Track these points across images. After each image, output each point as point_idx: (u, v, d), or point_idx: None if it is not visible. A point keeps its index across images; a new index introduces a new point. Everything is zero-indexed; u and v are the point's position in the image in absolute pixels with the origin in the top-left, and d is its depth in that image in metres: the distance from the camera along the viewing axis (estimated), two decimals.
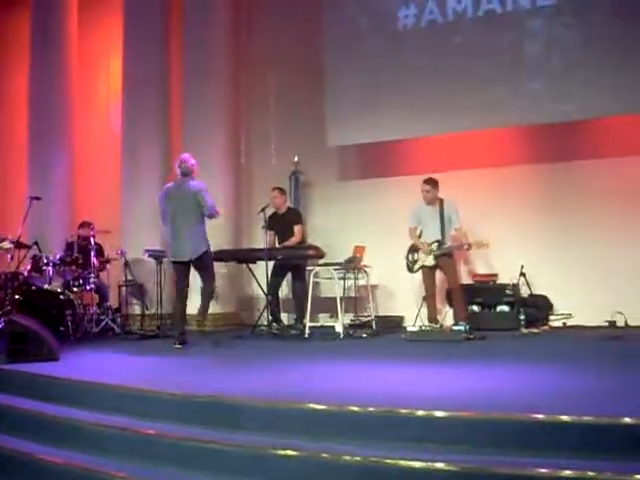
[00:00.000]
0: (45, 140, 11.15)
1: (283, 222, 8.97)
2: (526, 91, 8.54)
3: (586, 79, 8.28)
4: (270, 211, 8.90)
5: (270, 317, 8.53)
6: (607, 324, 8.08)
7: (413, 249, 8.35)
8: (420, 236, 8.37)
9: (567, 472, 3.09)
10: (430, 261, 8.17)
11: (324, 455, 3.55)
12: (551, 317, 8.66)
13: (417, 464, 3.32)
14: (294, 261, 8.65)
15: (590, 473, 3.07)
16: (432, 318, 8.16)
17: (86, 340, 8.27)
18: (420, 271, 8.31)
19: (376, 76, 9.38)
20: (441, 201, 8.27)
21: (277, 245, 8.94)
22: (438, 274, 8.34)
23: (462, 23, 9.01)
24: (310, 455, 3.58)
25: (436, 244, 8.15)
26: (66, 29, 11.56)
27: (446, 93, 8.91)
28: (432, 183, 8.28)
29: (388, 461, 3.39)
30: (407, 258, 8.39)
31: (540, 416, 3.50)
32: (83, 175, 11.65)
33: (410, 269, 8.39)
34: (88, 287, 8.91)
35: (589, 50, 8.30)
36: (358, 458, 3.45)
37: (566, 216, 8.78)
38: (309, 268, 8.58)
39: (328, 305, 9.15)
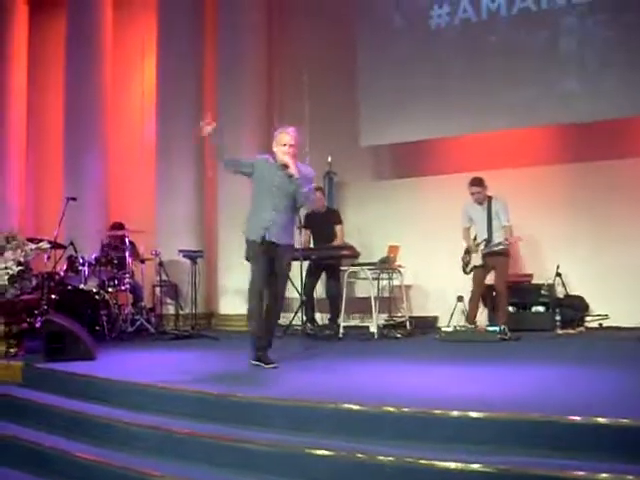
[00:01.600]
0: (80, 142, 11.25)
1: (323, 222, 8.97)
2: (560, 90, 8.46)
3: (619, 78, 8.19)
4: (308, 210, 8.92)
5: (304, 317, 8.53)
6: None
7: (468, 250, 8.30)
8: (475, 237, 8.30)
9: (604, 475, 3.04)
10: (480, 260, 8.09)
11: (359, 455, 3.54)
12: (587, 318, 8.56)
13: (452, 465, 3.29)
14: (329, 261, 8.64)
15: (629, 477, 3.02)
16: (471, 319, 8.09)
17: (121, 340, 8.34)
18: (471, 272, 8.26)
19: (409, 75, 9.35)
20: (489, 198, 8.19)
21: (312, 245, 8.94)
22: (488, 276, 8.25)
23: (496, 22, 8.95)
24: (344, 455, 3.57)
25: (483, 243, 8.08)
26: (100, 30, 11.64)
27: (480, 92, 8.87)
28: (479, 183, 8.18)
29: (423, 462, 3.37)
30: (463, 260, 8.34)
31: (577, 418, 3.45)
32: (118, 176, 11.75)
33: (464, 270, 8.32)
34: (123, 287, 8.99)
35: (623, 49, 8.20)
36: (392, 458, 3.43)
37: (603, 216, 8.68)
38: (343, 268, 8.56)
39: (362, 305, 9.12)
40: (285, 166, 5.67)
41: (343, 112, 10.03)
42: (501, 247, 7.99)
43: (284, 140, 5.75)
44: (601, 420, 3.40)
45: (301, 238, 8.60)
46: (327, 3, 10.50)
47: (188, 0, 10.76)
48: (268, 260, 5.73)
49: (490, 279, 8.29)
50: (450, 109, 8.99)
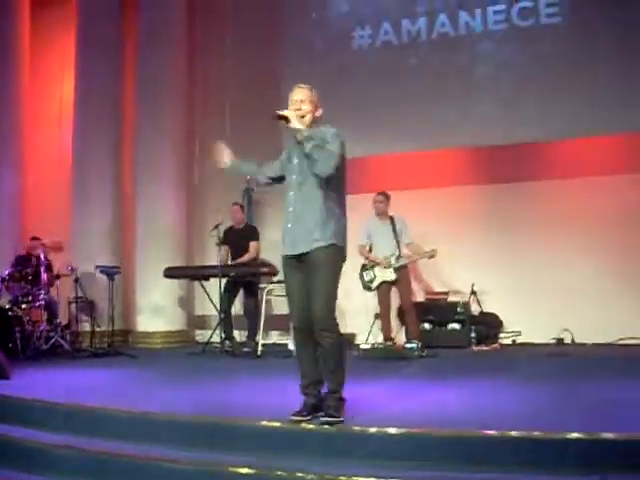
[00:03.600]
0: None
1: (240, 237, 8.95)
2: (477, 113, 8.71)
3: (533, 103, 8.50)
4: (226, 226, 8.94)
5: (223, 335, 8.49)
6: (555, 341, 8.25)
7: (367, 267, 8.36)
8: (370, 252, 8.41)
9: None
10: (391, 275, 8.18)
11: (279, 473, 3.55)
12: (501, 335, 8.80)
13: None
14: (247, 278, 8.63)
15: None
16: (387, 336, 8.18)
17: (35, 358, 8.11)
18: (376, 289, 8.33)
19: (331, 96, 9.41)
20: (391, 217, 8.35)
21: (230, 261, 8.92)
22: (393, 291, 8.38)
23: (416, 45, 9.19)
24: (265, 473, 3.58)
25: (394, 257, 8.20)
26: (19, 46, 11.40)
27: (399, 113, 9.03)
28: (385, 195, 8.37)
29: (342, 478, 3.41)
30: (362, 277, 8.36)
31: (491, 432, 3.56)
32: (33, 190, 11.49)
33: (368, 287, 8.35)
34: (37, 303, 8.76)
35: (537, 75, 8.54)
36: (314, 476, 3.46)
37: (515, 236, 8.94)
38: (262, 285, 8.57)
39: (281, 322, 9.14)
40: (282, 118, 4.36)
41: (265, 131, 10.04)
42: (413, 260, 8.31)
43: (292, 96, 4.48)
44: (514, 433, 3.52)
45: (220, 253, 8.58)
46: (251, 23, 10.53)
47: (109, 20, 10.60)
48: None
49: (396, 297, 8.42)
50: (369, 128, 9.10)
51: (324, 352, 4.15)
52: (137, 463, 3.91)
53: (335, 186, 4.35)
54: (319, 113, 4.43)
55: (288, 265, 4.33)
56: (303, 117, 4.33)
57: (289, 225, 4.30)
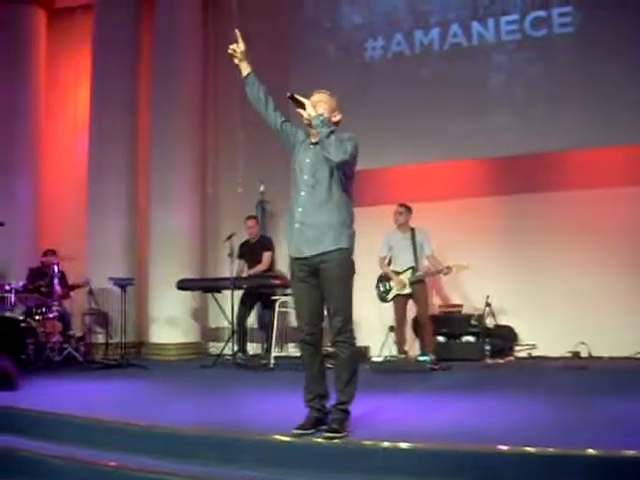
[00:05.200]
0: (11, 166, 11.02)
1: (255, 250, 8.94)
2: (490, 124, 8.65)
3: (547, 113, 8.44)
4: (242, 239, 8.94)
5: (236, 347, 8.46)
6: (570, 355, 8.16)
7: (383, 278, 8.31)
8: (390, 264, 8.36)
9: None
10: (406, 289, 8.13)
11: None
12: (516, 348, 8.72)
13: None
14: (261, 290, 8.60)
15: None
16: (402, 349, 8.13)
17: (48, 369, 8.13)
18: (392, 301, 8.28)
19: (342, 106, 9.42)
20: (412, 229, 8.30)
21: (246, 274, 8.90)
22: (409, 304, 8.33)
23: (429, 56, 9.15)
24: None
25: (410, 271, 8.14)
26: (35, 57, 11.52)
27: (412, 124, 9.00)
28: (406, 207, 8.32)
29: None
30: (378, 288, 8.33)
31: (504, 447, 3.50)
32: (49, 202, 11.56)
33: (383, 299, 8.32)
34: (51, 315, 8.79)
35: (550, 85, 8.48)
36: None
37: (531, 248, 8.86)
38: (275, 297, 8.53)
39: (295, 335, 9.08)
40: (296, 101, 4.31)
41: (276, 141, 10.03)
42: (429, 275, 8.22)
43: (312, 99, 4.42)
44: (529, 449, 3.46)
45: (236, 267, 8.57)
46: (264, 34, 10.53)
47: (124, 32, 10.66)
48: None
49: (412, 309, 8.37)
50: (383, 140, 9.07)
51: (339, 363, 4.12)
52: (143, 476, 3.87)
53: (346, 190, 4.30)
54: (337, 118, 4.38)
55: (295, 270, 4.23)
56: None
57: (297, 226, 4.20)
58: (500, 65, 8.73)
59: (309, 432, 3.98)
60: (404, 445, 3.64)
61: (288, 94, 4.33)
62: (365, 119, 9.20)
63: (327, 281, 4.10)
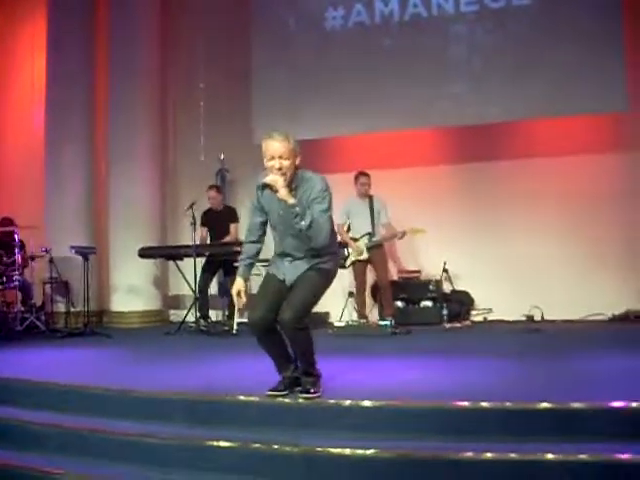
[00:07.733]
0: None
1: (219, 220, 8.98)
2: (449, 93, 8.80)
3: (504, 83, 8.62)
4: (204, 208, 8.99)
5: (198, 314, 8.54)
6: (525, 318, 8.41)
7: (342, 245, 8.45)
8: (348, 231, 8.51)
9: (489, 455, 3.28)
10: (363, 255, 8.31)
11: (255, 445, 3.66)
12: (472, 312, 8.96)
13: (347, 451, 3.47)
14: (224, 257, 8.67)
15: (512, 455, 3.27)
16: (362, 314, 8.33)
17: (10, 339, 8.12)
18: (350, 267, 8.45)
19: (303, 76, 9.50)
20: (370, 197, 8.45)
21: (209, 242, 8.95)
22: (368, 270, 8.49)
23: (389, 26, 9.23)
24: (245, 446, 3.68)
25: (367, 237, 8.30)
26: None
27: (372, 94, 9.09)
28: (368, 175, 8.47)
29: (318, 449, 3.53)
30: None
31: (464, 403, 3.68)
32: (5, 172, 11.43)
33: (341, 265, 8.47)
34: (11, 285, 8.76)
35: (507, 55, 8.65)
36: (290, 448, 3.58)
37: (487, 214, 9.07)
38: (237, 264, 8.57)
39: None
40: (270, 188, 4.16)
41: (238, 110, 10.07)
42: (385, 240, 8.43)
43: (268, 150, 4.15)
44: (485, 405, 3.64)
45: (197, 235, 8.62)
46: (224, 3, 10.52)
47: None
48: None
49: (371, 275, 8.58)
50: (343, 109, 9.18)
51: (289, 338, 4.16)
52: (119, 439, 3.98)
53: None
54: (299, 161, 4.21)
55: (272, 279, 4.30)
56: (285, 174, 4.09)
57: (278, 256, 4.31)
58: (459, 35, 8.85)
59: (283, 393, 4.11)
60: (372, 403, 3.81)
61: (258, 185, 4.33)
62: (324, 88, 9.31)
63: (299, 280, 4.17)
